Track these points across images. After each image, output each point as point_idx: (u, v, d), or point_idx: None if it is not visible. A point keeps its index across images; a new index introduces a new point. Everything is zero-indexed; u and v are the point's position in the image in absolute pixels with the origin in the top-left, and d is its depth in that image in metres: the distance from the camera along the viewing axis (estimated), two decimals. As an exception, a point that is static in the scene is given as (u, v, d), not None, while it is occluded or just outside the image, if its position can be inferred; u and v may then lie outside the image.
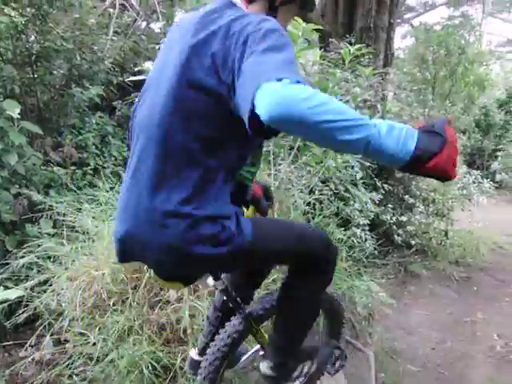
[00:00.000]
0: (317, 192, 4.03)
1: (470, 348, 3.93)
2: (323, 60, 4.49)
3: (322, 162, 3.29)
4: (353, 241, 3.68)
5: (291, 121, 0.89)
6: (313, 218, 3.45)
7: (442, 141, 0.97)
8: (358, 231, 4.29)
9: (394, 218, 4.97)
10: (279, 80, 0.93)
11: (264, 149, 3.18)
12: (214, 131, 1.18)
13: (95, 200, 2.77)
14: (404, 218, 5.13)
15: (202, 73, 1.13)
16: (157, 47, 5.73)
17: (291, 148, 3.41)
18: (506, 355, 3.70)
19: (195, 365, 1.72)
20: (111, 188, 3.13)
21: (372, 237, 4.56)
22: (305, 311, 1.54)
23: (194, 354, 1.80)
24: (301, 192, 3.53)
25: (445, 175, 1.01)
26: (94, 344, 2.06)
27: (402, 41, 14.55)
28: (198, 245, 1.18)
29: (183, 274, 1.37)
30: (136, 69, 3.07)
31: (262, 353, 1.75)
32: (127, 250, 1.29)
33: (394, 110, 5.79)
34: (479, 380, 3.39)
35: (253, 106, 0.95)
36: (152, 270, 1.42)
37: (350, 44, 4.90)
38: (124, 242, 1.27)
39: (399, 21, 12.41)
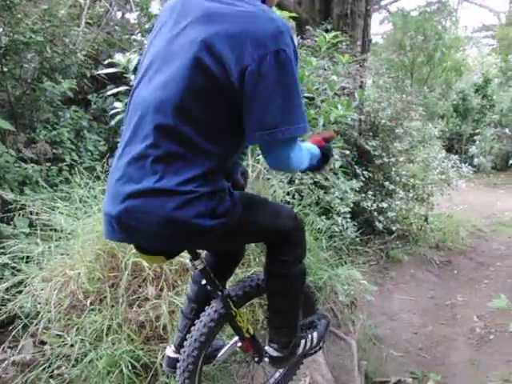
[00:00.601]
0: (296, 181, 4.03)
1: (450, 331, 4.00)
2: (300, 48, 4.45)
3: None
4: (334, 229, 3.68)
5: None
6: (293, 208, 3.44)
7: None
8: (340, 219, 4.29)
9: (375, 205, 4.99)
10: (288, 135, 1.22)
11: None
12: (215, 118, 1.24)
13: (70, 197, 2.70)
14: (384, 205, 5.16)
15: (212, 63, 1.17)
16: (132, 38, 5.63)
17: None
18: (485, 336, 3.78)
19: (172, 362, 1.71)
20: (87, 184, 3.08)
21: (354, 224, 4.57)
22: (293, 283, 1.60)
23: (170, 351, 1.77)
24: (280, 182, 3.51)
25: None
26: (72, 345, 2.02)
27: (379, 26, 14.56)
28: (198, 218, 1.23)
29: (179, 247, 1.43)
30: (106, 61, 2.98)
31: (240, 344, 1.74)
32: (119, 226, 1.28)
33: (372, 96, 5.78)
34: (460, 362, 3.45)
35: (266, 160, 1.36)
36: (136, 247, 1.42)
37: (327, 31, 4.88)
38: (116, 218, 1.27)
39: (376, 7, 12.40)
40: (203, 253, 1.67)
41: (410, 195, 5.86)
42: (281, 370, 1.99)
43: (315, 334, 1.80)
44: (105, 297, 2.16)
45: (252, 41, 1.15)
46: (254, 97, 1.17)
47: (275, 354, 1.64)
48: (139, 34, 6.16)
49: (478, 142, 11.57)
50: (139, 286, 2.26)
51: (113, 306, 2.15)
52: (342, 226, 4.32)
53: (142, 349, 2.10)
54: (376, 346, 3.53)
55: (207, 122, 1.23)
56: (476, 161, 11.13)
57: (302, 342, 1.73)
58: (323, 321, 1.89)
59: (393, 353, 3.50)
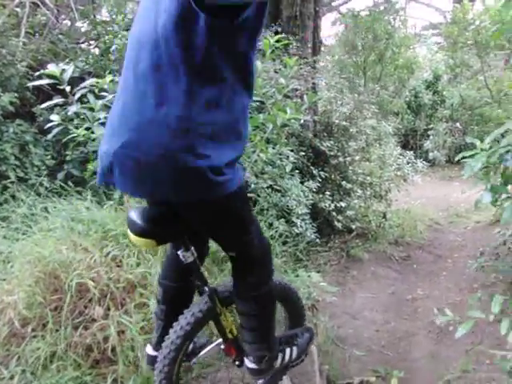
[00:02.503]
0: (252, 185, 4.00)
1: (412, 326, 4.04)
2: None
3: (249, 158, 3.22)
4: (290, 233, 3.65)
5: None
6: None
7: None
8: (298, 221, 4.29)
9: (333, 205, 5.01)
10: None
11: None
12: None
13: (7, 218, 2.56)
14: (343, 204, 5.18)
15: None
16: (78, 46, 5.45)
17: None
18: (444, 328, 3.83)
19: (152, 360, 1.70)
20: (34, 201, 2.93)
21: (313, 226, 4.57)
22: (262, 304, 1.60)
23: (149, 349, 1.77)
24: None
25: None
26: (12, 377, 1.89)
27: (331, 28, 14.78)
28: (199, 159, 1.19)
29: (174, 197, 1.30)
30: (38, 73, 2.84)
31: (223, 347, 1.76)
32: (116, 166, 1.25)
33: (325, 97, 5.83)
34: (421, 356, 3.48)
35: None
36: (129, 228, 1.44)
37: (277, 33, 4.88)
38: (117, 156, 1.23)
39: (326, 8, 12.58)
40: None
41: (368, 193, 5.93)
42: (260, 381, 1.97)
43: (295, 349, 1.80)
44: (48, 321, 2.04)
45: None
46: None
47: (251, 365, 1.66)
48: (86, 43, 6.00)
49: (431, 136, 11.89)
50: (85, 307, 2.15)
51: (57, 330, 2.03)
52: (301, 227, 4.32)
53: (90, 373, 1.99)
54: (339, 347, 3.52)
55: None
56: (431, 155, 11.44)
57: (280, 356, 1.73)
58: (306, 334, 1.90)
59: (356, 352, 3.49)
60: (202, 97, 1.18)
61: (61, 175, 3.98)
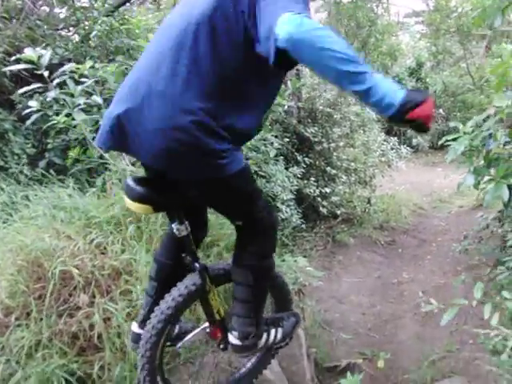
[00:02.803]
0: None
1: (397, 309, 4.10)
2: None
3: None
4: (279, 218, 3.65)
5: (304, 42, 1.08)
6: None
7: (425, 94, 1.16)
8: (284, 207, 4.29)
9: (318, 191, 5.02)
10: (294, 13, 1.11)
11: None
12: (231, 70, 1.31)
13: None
14: (328, 190, 5.20)
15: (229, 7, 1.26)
16: (56, 33, 5.32)
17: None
18: (429, 311, 3.88)
19: (136, 338, 1.71)
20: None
21: (298, 211, 4.58)
22: (258, 277, 1.61)
23: (135, 327, 1.77)
24: None
25: (425, 123, 1.16)
26: (-4, 366, 1.85)
27: (315, 15, 14.69)
28: (206, 138, 1.29)
29: (170, 166, 1.37)
30: (14, 57, 2.75)
31: (208, 330, 1.77)
32: (118, 129, 1.34)
33: (309, 83, 5.80)
34: (407, 338, 3.54)
35: (275, 33, 1.11)
36: (126, 195, 1.48)
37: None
38: (119, 119, 1.32)
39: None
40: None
41: (353, 179, 5.96)
42: (248, 365, 2.00)
43: (280, 331, 1.82)
44: (32, 310, 2.00)
45: None
46: (259, 10, 1.24)
47: (235, 341, 1.66)
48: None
49: (415, 123, 11.95)
50: (70, 295, 2.11)
51: (41, 319, 1.99)
52: (287, 213, 4.32)
53: (77, 361, 1.96)
54: (326, 330, 3.55)
55: None
56: (414, 141, 11.52)
57: (265, 335, 1.74)
58: (292, 319, 1.90)
59: (342, 336, 3.53)
60: (216, 92, 1.30)
61: (42, 163, 3.90)
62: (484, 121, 2.28)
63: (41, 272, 2.13)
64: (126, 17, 4.92)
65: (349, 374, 2.17)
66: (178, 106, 1.27)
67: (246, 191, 1.52)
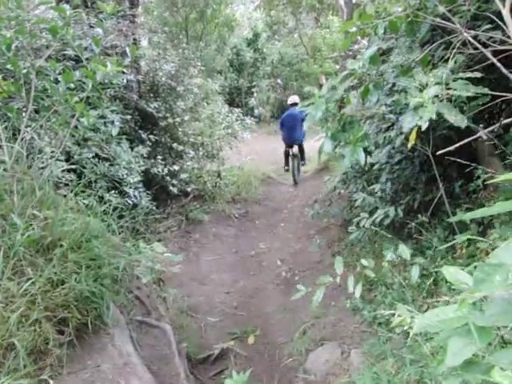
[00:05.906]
0: (76, 156, 3.46)
1: (260, 281, 4.08)
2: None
3: (66, 123, 2.68)
4: (125, 205, 3.26)
5: None
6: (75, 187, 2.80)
7: None
8: (131, 191, 3.91)
9: (166, 169, 4.73)
10: None
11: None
12: None
13: None
14: (176, 167, 4.93)
15: None
16: None
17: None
18: (291, 279, 3.96)
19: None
20: None
21: (148, 194, 4.24)
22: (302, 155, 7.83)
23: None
24: (54, 159, 2.85)
25: None
26: None
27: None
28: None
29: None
30: None
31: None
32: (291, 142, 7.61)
33: (148, 54, 5.38)
34: (274, 310, 3.51)
35: None
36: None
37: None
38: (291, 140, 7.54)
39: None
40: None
41: (200, 153, 5.79)
42: None
43: None
44: None
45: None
46: None
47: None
48: None
49: (255, 93, 12.27)
50: None
51: None
52: (135, 197, 3.95)
53: None
54: (192, 317, 3.36)
55: None
56: (256, 112, 11.84)
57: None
58: None
59: (210, 319, 3.38)
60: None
61: None
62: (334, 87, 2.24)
63: None
64: None
65: (234, 373, 1.93)
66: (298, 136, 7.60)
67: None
